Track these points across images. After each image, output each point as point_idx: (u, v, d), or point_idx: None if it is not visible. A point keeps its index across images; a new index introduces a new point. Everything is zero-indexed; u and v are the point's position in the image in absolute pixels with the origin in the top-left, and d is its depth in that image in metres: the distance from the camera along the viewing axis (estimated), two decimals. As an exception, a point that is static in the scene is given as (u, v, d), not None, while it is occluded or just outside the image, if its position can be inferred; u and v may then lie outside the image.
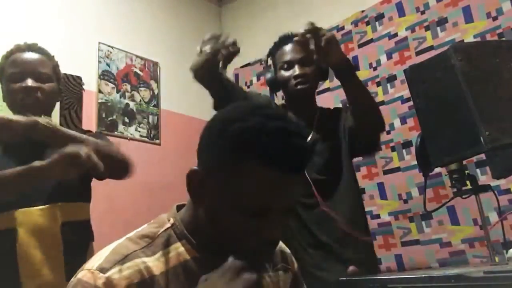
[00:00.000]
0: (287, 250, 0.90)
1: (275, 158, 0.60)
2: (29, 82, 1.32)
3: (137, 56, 2.81)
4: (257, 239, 0.64)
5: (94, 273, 0.64)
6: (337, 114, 1.62)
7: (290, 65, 1.53)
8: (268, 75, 1.62)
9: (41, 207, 1.26)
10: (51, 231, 1.26)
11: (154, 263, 0.68)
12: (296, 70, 1.51)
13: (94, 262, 0.67)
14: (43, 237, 1.24)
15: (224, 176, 0.65)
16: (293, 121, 0.66)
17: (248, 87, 3.14)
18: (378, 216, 2.34)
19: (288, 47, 1.56)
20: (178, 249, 0.71)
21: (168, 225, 0.74)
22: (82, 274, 0.66)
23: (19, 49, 1.38)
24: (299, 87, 1.51)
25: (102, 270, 0.65)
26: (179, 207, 0.78)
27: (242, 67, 3.22)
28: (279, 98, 1.69)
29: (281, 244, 0.88)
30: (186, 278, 0.69)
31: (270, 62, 1.66)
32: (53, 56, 1.43)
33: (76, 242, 1.31)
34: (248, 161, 0.62)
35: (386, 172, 2.37)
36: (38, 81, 1.34)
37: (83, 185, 1.40)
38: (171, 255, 0.70)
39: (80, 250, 1.32)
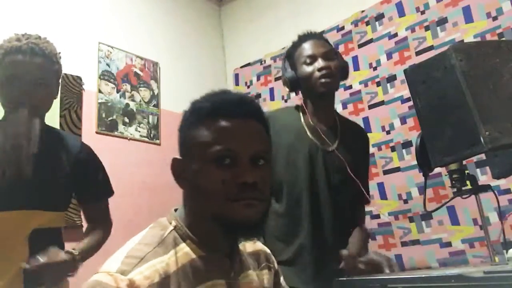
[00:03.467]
0: (268, 250, 0.96)
1: (218, 108, 0.76)
2: None
3: (137, 56, 2.81)
4: (232, 184, 0.72)
5: (114, 275, 0.66)
6: (360, 137, 1.64)
7: (313, 58, 1.48)
8: (289, 74, 1.53)
9: (11, 212, 1.23)
10: (18, 238, 1.23)
11: (168, 262, 0.72)
12: (320, 62, 1.46)
13: (111, 265, 0.69)
14: (7, 243, 1.21)
15: (191, 142, 0.77)
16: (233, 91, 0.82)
17: (248, 87, 3.14)
18: (378, 216, 2.34)
19: (308, 44, 1.51)
20: (184, 249, 0.75)
21: (171, 227, 0.78)
22: (100, 276, 0.67)
23: None
24: (323, 80, 1.45)
25: (124, 272, 0.67)
26: (176, 211, 0.82)
27: (242, 67, 3.22)
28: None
29: (262, 246, 0.95)
30: (194, 276, 0.73)
31: (287, 65, 1.57)
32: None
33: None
34: (204, 120, 0.76)
35: (386, 172, 2.37)
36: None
37: (65, 195, 1.38)
38: (179, 255, 0.74)
39: None
